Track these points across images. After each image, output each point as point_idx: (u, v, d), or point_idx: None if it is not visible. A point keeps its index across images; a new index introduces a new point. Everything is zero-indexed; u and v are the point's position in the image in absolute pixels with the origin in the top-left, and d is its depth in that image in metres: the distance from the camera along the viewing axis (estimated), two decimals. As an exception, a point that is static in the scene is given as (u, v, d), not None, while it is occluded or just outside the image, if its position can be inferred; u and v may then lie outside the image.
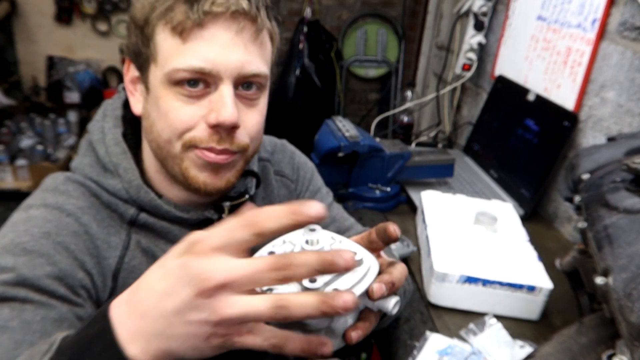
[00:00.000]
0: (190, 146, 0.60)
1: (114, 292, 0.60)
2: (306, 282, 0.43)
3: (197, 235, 0.38)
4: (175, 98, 0.58)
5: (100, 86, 3.09)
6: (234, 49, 0.57)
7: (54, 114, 2.88)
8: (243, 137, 0.61)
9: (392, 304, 0.49)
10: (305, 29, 2.69)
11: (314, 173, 0.88)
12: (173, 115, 0.58)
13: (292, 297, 0.36)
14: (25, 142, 2.63)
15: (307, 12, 2.71)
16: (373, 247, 0.51)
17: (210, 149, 0.60)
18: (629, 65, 1.08)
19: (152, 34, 0.57)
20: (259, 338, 0.38)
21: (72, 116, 2.96)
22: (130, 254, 0.63)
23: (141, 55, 0.59)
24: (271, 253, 0.47)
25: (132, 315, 0.39)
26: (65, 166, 2.63)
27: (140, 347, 0.38)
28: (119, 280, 0.61)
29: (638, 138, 0.80)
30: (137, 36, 0.59)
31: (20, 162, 2.57)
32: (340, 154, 1.22)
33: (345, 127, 1.28)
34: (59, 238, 0.57)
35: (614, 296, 0.52)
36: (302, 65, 2.69)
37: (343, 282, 0.44)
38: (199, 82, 0.57)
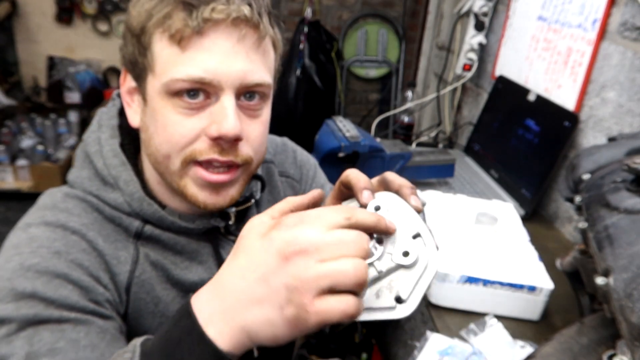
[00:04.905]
0: (190, 162, 0.57)
1: (127, 306, 0.59)
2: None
3: (285, 216, 0.42)
4: (175, 111, 0.55)
5: (101, 86, 3.10)
6: (236, 58, 0.54)
7: (55, 114, 2.88)
8: (246, 149, 0.59)
9: None
10: (305, 29, 2.69)
11: (316, 169, 0.87)
12: (172, 129, 0.55)
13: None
14: (26, 142, 2.64)
15: (308, 13, 2.70)
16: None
17: (211, 162, 0.57)
18: (629, 65, 1.08)
19: (149, 42, 0.55)
20: (335, 306, 0.38)
21: (73, 116, 2.96)
22: (140, 267, 0.60)
23: (138, 65, 0.57)
24: (378, 208, 0.48)
25: (212, 299, 0.41)
26: (66, 166, 2.64)
27: (219, 328, 0.40)
28: (130, 294, 0.59)
29: (639, 138, 0.80)
30: (133, 45, 0.56)
31: (21, 162, 2.57)
32: (341, 154, 1.22)
33: (345, 127, 1.28)
34: (70, 256, 0.54)
35: (615, 296, 0.52)
36: (303, 65, 2.69)
37: (399, 285, 0.44)
38: (198, 92, 0.54)
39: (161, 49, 0.54)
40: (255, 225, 0.43)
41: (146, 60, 0.55)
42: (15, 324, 0.49)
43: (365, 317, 0.44)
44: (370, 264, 0.45)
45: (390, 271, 0.44)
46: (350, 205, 0.52)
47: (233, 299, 0.40)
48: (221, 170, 0.58)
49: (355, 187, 0.50)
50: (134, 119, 0.61)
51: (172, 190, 0.62)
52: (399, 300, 0.43)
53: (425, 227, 0.46)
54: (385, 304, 0.44)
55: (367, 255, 0.40)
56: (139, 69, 0.57)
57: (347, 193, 0.53)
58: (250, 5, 0.54)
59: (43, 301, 0.51)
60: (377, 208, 0.48)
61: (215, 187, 0.59)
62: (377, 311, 0.44)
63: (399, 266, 0.44)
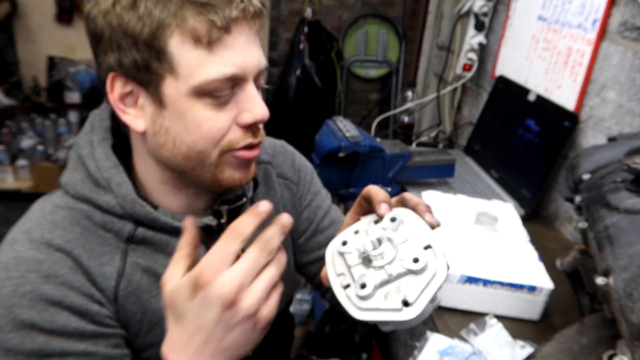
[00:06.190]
0: (227, 151, 0.59)
1: (119, 316, 0.62)
2: (358, 290, 0.47)
3: (195, 273, 0.47)
4: (205, 108, 0.56)
5: (101, 86, 3.09)
6: (251, 49, 0.58)
7: (55, 114, 2.88)
8: (261, 128, 0.63)
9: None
10: (306, 29, 2.69)
11: (313, 174, 0.88)
12: (208, 126, 0.57)
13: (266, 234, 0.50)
14: (26, 142, 2.63)
15: (308, 13, 2.70)
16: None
17: (247, 147, 0.60)
18: (629, 65, 1.08)
19: (164, 47, 0.54)
20: (275, 299, 0.50)
21: (73, 116, 2.96)
22: (125, 280, 0.61)
23: (148, 70, 0.55)
24: (345, 243, 0.53)
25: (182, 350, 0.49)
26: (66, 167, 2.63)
27: None
28: (118, 306, 0.61)
29: (639, 138, 0.80)
30: (140, 51, 0.54)
31: (21, 162, 2.57)
32: (341, 154, 1.22)
33: (345, 127, 1.28)
34: (60, 279, 0.56)
35: (615, 296, 0.52)
36: (303, 65, 2.69)
37: (407, 289, 0.46)
38: (226, 89, 0.57)
39: (183, 52, 0.54)
40: (176, 290, 0.49)
41: (161, 64, 0.55)
42: (22, 356, 0.53)
43: (371, 317, 0.46)
44: (381, 267, 0.47)
45: (399, 276, 0.46)
46: (369, 218, 0.56)
47: (208, 352, 0.49)
48: (254, 147, 0.62)
49: (374, 199, 0.53)
50: (136, 124, 0.59)
51: (194, 184, 0.63)
52: (405, 303, 0.45)
53: (437, 241, 0.48)
54: (392, 305, 0.45)
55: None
56: (150, 73, 0.56)
57: (367, 207, 0.56)
58: None
59: (43, 332, 0.54)
60: (393, 219, 0.51)
61: (247, 164, 0.63)
62: (384, 312, 0.45)
63: (409, 271, 0.46)
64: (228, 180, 0.61)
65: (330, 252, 0.53)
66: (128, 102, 0.59)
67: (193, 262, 0.50)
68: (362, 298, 0.46)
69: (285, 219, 0.51)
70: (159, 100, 0.57)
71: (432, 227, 0.51)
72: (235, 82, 0.57)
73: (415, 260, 0.46)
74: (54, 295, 0.55)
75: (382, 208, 0.53)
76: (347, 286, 0.49)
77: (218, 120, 0.57)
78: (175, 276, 0.49)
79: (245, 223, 0.49)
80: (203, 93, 0.56)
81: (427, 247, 0.48)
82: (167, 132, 0.58)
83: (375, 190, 0.54)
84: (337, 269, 0.51)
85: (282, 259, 0.50)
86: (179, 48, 0.54)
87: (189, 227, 0.52)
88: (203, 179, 0.61)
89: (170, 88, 0.56)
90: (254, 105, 0.58)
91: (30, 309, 0.54)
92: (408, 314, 0.44)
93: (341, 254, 0.52)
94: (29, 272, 0.55)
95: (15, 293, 0.54)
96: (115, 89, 0.58)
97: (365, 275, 0.47)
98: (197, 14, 0.53)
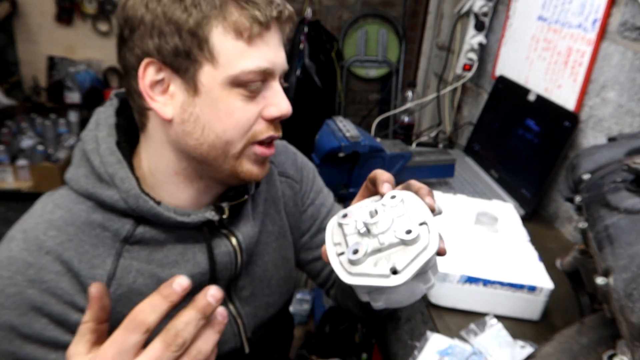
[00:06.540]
0: (251, 143, 0.63)
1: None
2: (350, 255, 0.48)
3: None
4: (237, 98, 0.60)
5: (101, 86, 3.09)
6: (280, 49, 0.63)
7: (55, 114, 2.88)
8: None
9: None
10: (306, 29, 2.69)
11: (315, 174, 0.89)
12: (239, 115, 0.60)
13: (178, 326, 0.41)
14: (26, 142, 2.63)
15: (308, 13, 2.70)
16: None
17: (266, 144, 0.64)
18: (629, 65, 1.08)
19: (207, 36, 0.57)
20: None
21: (73, 116, 2.96)
22: (116, 283, 0.61)
23: (189, 57, 0.57)
24: (345, 216, 0.54)
25: None
26: (66, 166, 2.63)
27: None
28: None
29: (639, 138, 0.80)
30: (182, 38, 0.56)
31: (21, 162, 2.57)
32: (341, 154, 1.22)
33: (345, 127, 1.28)
34: (44, 285, 0.57)
35: (615, 296, 0.52)
36: (303, 65, 2.69)
37: (397, 258, 0.47)
38: (257, 80, 0.60)
39: (224, 42, 0.57)
40: None
41: (202, 52, 0.57)
42: None
43: (360, 281, 0.48)
44: (375, 236, 0.49)
45: (391, 245, 0.48)
46: (373, 198, 0.58)
47: None
48: (271, 145, 0.66)
49: (378, 180, 0.57)
50: (165, 112, 0.60)
51: (211, 175, 0.65)
52: (394, 271, 0.47)
53: (433, 220, 0.50)
54: (380, 272, 0.47)
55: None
56: (189, 60, 0.58)
57: (373, 190, 0.59)
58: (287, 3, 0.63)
59: (20, 336, 0.55)
60: (393, 197, 0.53)
61: (264, 160, 0.67)
62: (372, 277, 0.47)
63: (401, 242, 0.48)
64: (246, 173, 0.64)
65: (331, 224, 0.56)
66: (157, 90, 0.60)
67: (100, 336, 0.44)
68: (353, 263, 0.48)
69: (201, 300, 0.42)
70: (193, 87, 0.59)
71: (432, 209, 0.53)
72: (265, 76, 0.61)
73: (408, 232, 0.48)
74: (35, 300, 0.56)
75: (385, 187, 0.55)
76: (341, 254, 0.51)
77: (248, 111, 0.61)
78: (78, 354, 0.43)
79: (147, 310, 0.40)
80: (237, 83, 0.59)
81: (422, 224, 0.50)
82: (197, 120, 0.60)
83: (380, 172, 0.58)
84: (334, 238, 0.54)
85: (202, 349, 0.42)
86: (221, 39, 0.57)
87: (96, 297, 0.44)
88: (222, 170, 0.63)
89: (207, 76, 0.58)
90: (279, 100, 0.62)
91: (12, 311, 0.55)
92: (395, 281, 0.46)
93: (340, 225, 0.54)
94: (17, 274, 0.56)
95: (2, 293, 0.55)
96: (147, 75, 0.59)
97: (359, 243, 0.50)
98: (240, 9, 0.57)
